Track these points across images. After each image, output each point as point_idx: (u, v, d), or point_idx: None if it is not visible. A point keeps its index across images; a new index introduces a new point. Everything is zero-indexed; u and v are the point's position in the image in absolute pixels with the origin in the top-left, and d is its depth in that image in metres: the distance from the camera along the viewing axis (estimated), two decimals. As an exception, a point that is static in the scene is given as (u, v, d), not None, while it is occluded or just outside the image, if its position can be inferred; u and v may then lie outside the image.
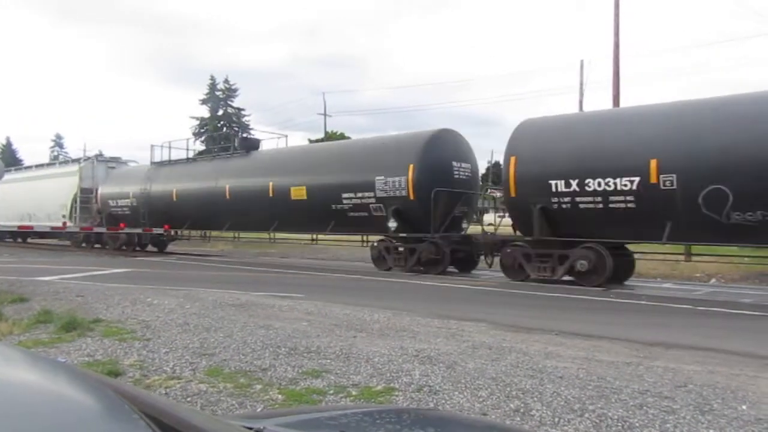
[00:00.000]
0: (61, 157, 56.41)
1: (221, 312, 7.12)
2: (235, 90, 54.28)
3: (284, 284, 11.72)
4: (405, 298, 9.93)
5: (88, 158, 27.40)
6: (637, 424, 3.35)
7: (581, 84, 23.23)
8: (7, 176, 30.02)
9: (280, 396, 3.82)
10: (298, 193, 16.86)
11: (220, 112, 53.54)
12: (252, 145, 20.77)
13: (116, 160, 27.35)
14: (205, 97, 53.55)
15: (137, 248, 23.24)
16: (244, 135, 19.56)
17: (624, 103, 18.22)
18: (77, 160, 27.47)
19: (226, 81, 53.92)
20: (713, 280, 14.76)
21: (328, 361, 4.75)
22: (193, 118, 53.11)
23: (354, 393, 3.92)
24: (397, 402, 3.75)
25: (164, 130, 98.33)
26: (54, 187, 25.62)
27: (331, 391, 3.93)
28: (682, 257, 14.27)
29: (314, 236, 18.62)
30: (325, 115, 45.52)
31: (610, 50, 18.08)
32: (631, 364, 4.92)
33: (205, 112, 53.65)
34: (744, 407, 3.71)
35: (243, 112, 54.29)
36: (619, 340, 6.17)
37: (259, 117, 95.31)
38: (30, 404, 0.85)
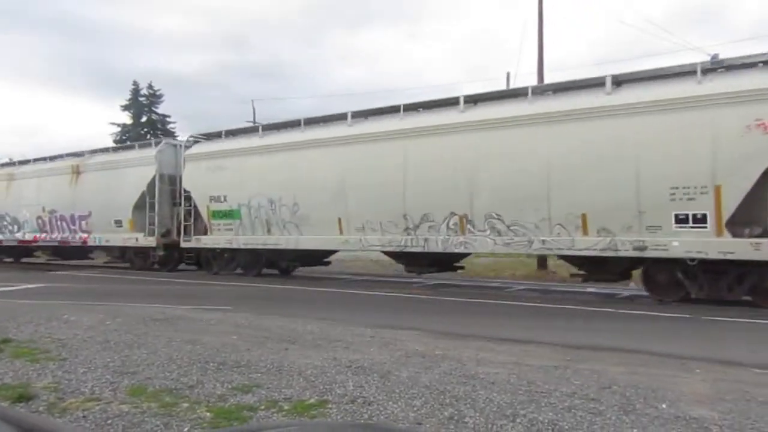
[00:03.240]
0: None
1: (144, 328, 6.80)
2: (159, 96, 52.44)
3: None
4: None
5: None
6: (566, 427, 3.43)
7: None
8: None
9: (208, 414, 3.67)
10: None
11: (144, 119, 51.62)
12: None
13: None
14: (127, 102, 51.46)
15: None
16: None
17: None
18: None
19: (150, 87, 52.05)
20: (632, 284, 15.48)
21: (259, 375, 4.62)
22: (114, 124, 50.91)
23: (286, 407, 3.81)
24: (331, 415, 3.68)
25: (82, 139, 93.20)
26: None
27: (262, 407, 3.81)
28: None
29: None
30: (254, 123, 44.80)
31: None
32: (558, 367, 5.06)
33: (126, 118, 51.55)
34: (664, 406, 3.88)
35: (168, 119, 52.58)
36: (545, 344, 6.34)
37: (185, 125, 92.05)
38: None
